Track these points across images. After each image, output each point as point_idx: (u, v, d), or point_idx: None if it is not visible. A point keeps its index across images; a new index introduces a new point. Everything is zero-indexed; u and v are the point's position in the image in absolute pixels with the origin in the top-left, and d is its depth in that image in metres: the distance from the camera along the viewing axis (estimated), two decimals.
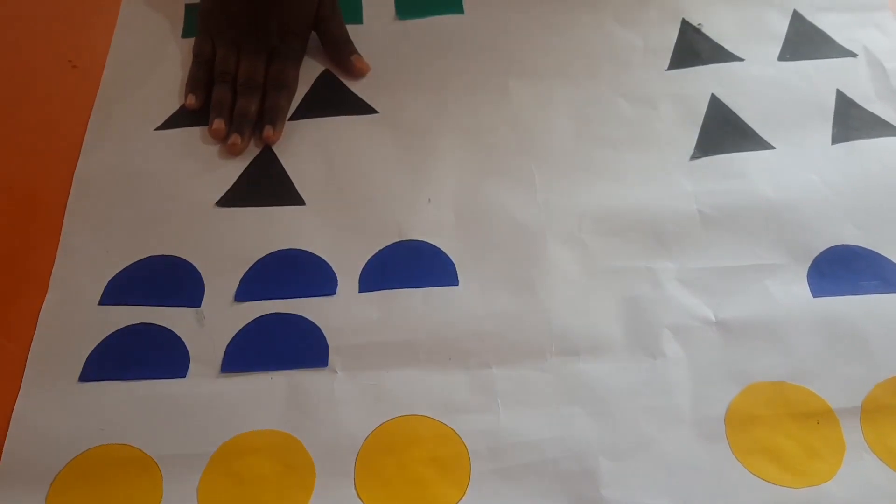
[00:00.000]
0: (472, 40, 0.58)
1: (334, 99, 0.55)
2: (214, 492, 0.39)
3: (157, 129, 0.53)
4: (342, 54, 0.57)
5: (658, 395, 0.42)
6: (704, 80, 0.55)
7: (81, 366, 0.43)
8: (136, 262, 0.47)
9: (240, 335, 0.44)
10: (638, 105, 0.54)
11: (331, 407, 0.41)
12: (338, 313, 0.45)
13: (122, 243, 0.47)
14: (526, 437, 0.40)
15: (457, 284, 0.46)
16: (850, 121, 0.52)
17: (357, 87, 0.56)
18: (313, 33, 0.58)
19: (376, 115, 0.54)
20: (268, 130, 0.52)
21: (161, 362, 0.43)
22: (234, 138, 0.52)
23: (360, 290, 0.46)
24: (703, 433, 0.40)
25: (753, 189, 0.49)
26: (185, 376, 0.42)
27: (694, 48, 0.57)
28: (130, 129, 0.53)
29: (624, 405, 0.41)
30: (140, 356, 0.43)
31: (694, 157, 0.51)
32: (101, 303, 0.45)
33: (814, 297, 0.45)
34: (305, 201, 0.50)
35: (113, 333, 0.44)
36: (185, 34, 0.59)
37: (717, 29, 0.58)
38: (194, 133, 0.53)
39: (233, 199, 0.50)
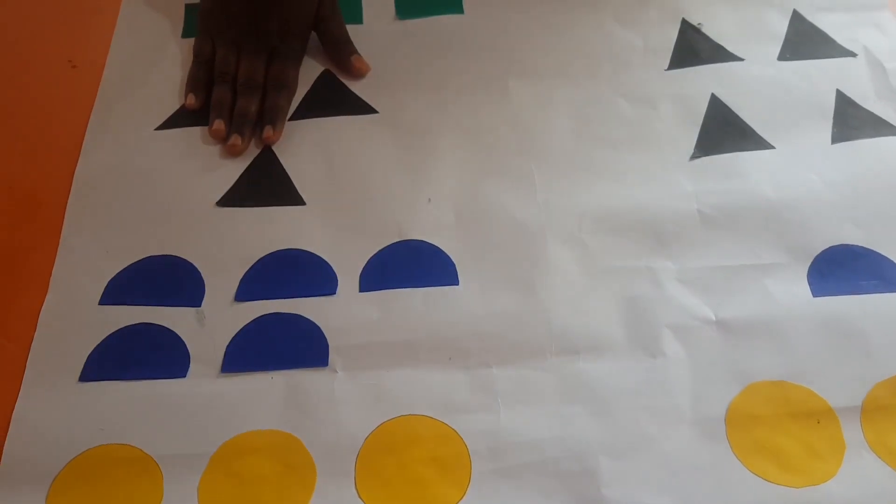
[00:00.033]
0: (472, 40, 0.58)
1: (334, 99, 0.55)
2: (215, 492, 0.39)
3: (157, 128, 0.53)
4: (342, 54, 0.57)
5: (658, 395, 0.42)
6: (704, 80, 0.55)
7: (81, 366, 0.43)
8: (136, 262, 0.47)
9: (240, 335, 0.44)
10: (638, 105, 0.54)
11: (331, 407, 0.41)
12: (338, 313, 0.45)
13: (122, 243, 0.48)
14: (526, 437, 0.40)
15: (457, 284, 0.46)
16: (850, 120, 0.52)
17: (357, 87, 0.56)
18: (313, 33, 0.58)
19: (376, 115, 0.54)
20: (268, 131, 0.52)
21: (161, 362, 0.43)
22: (235, 139, 0.52)
23: (361, 290, 0.46)
24: (704, 432, 0.40)
25: (753, 189, 0.49)
26: (185, 376, 0.42)
27: (694, 48, 0.57)
28: (130, 128, 0.53)
29: (624, 405, 0.41)
30: (140, 356, 0.43)
31: (694, 156, 0.51)
32: (101, 303, 0.45)
33: (814, 296, 0.45)
34: (306, 201, 0.50)
35: (113, 333, 0.44)
36: (185, 34, 0.59)
37: (717, 29, 0.58)
38: (194, 133, 0.53)
39: (233, 198, 0.50)
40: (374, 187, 0.50)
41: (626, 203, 0.49)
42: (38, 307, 0.45)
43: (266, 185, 0.50)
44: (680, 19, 0.59)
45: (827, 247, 0.47)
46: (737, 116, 0.53)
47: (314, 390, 0.42)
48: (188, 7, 0.60)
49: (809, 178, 0.50)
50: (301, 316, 0.44)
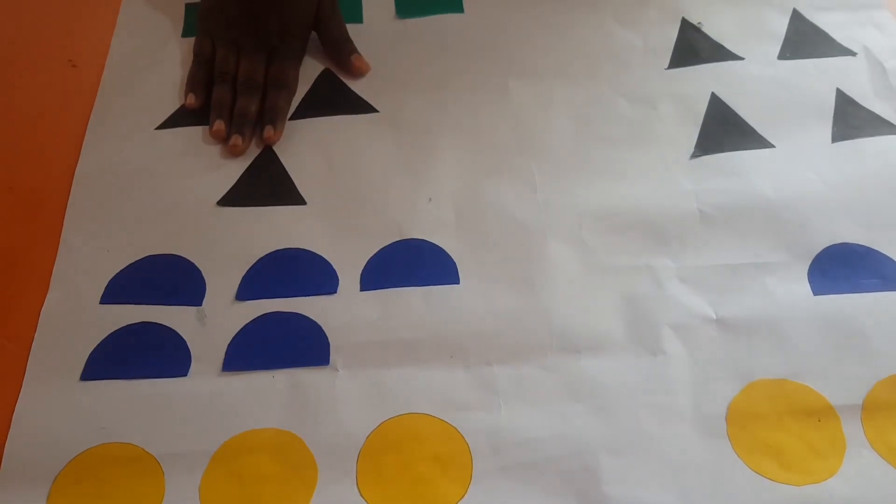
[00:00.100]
0: (472, 40, 0.58)
1: (335, 98, 0.55)
2: (216, 490, 0.39)
3: (158, 128, 0.53)
4: (342, 54, 0.57)
5: (659, 393, 0.42)
6: (704, 79, 0.55)
7: (83, 365, 0.43)
8: (136, 262, 0.47)
9: (241, 334, 0.44)
10: (638, 104, 0.54)
11: (332, 405, 0.41)
12: (339, 312, 0.45)
13: (122, 242, 0.48)
14: (527, 435, 0.40)
15: (458, 283, 0.46)
16: (850, 119, 0.52)
17: (357, 87, 0.56)
18: (313, 33, 0.58)
19: (377, 114, 0.54)
20: (268, 130, 0.52)
21: (162, 361, 0.43)
22: (235, 139, 0.52)
23: (362, 289, 0.46)
24: (705, 430, 0.40)
25: (753, 187, 0.49)
26: (186, 375, 0.42)
27: (694, 47, 0.57)
28: (131, 128, 0.53)
29: (625, 402, 0.41)
30: (141, 355, 0.43)
31: (694, 155, 0.51)
32: (102, 302, 0.45)
33: (814, 295, 0.45)
34: (306, 201, 0.50)
35: (114, 332, 0.44)
36: (185, 34, 0.59)
37: (716, 28, 0.58)
38: (195, 132, 0.53)
39: (234, 198, 0.50)
40: (374, 186, 0.50)
41: (627, 202, 0.49)
42: (38, 306, 0.45)
43: (267, 185, 0.50)
44: (680, 19, 0.59)
45: (827, 245, 0.47)
46: (737, 115, 0.53)
47: (315, 389, 0.42)
48: (188, 7, 0.61)
49: (809, 177, 0.50)
50: (302, 315, 0.45)
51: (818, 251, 0.46)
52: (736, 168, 0.50)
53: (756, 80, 0.55)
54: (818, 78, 0.55)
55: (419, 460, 0.40)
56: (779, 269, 0.46)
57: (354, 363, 0.43)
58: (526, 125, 0.53)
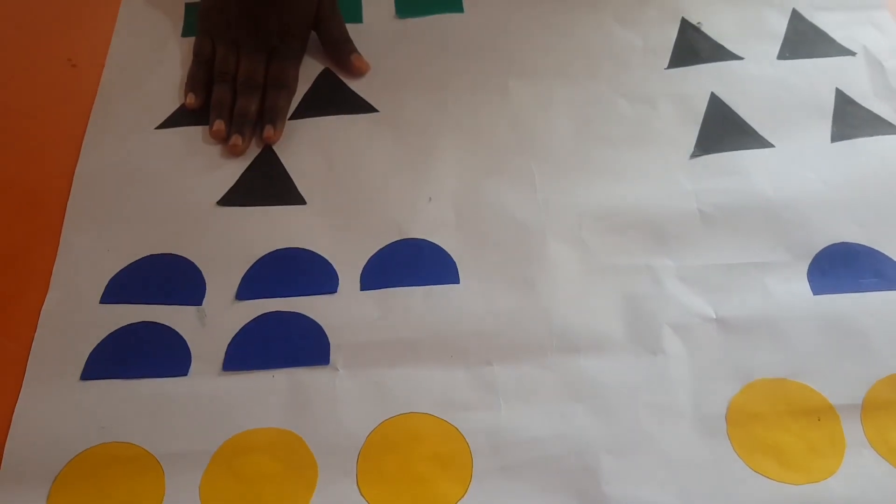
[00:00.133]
0: (472, 40, 0.58)
1: (334, 98, 0.55)
2: (216, 490, 0.39)
3: (158, 127, 0.53)
4: (342, 53, 0.57)
5: (659, 392, 0.42)
6: (704, 79, 0.55)
7: (83, 364, 0.43)
8: (137, 261, 0.47)
9: (241, 333, 0.44)
10: (638, 104, 0.54)
11: (332, 405, 0.41)
12: (339, 311, 0.45)
13: (122, 242, 0.48)
14: (527, 434, 0.40)
15: (458, 282, 0.46)
16: (849, 119, 0.53)
17: (357, 86, 0.56)
18: (313, 33, 0.58)
19: (377, 113, 0.54)
20: (268, 130, 0.52)
21: (162, 361, 0.43)
22: (235, 139, 0.52)
23: (362, 289, 0.46)
24: (704, 430, 0.40)
25: (753, 187, 0.49)
26: (186, 375, 0.42)
27: (693, 47, 0.57)
28: (131, 127, 0.53)
29: (625, 402, 0.41)
30: (141, 354, 0.43)
31: (694, 155, 0.51)
32: (102, 301, 0.45)
33: (814, 294, 0.45)
34: (306, 200, 0.50)
35: (114, 332, 0.44)
36: (185, 33, 0.59)
37: (716, 28, 0.58)
38: (195, 132, 0.53)
39: (234, 198, 0.50)
40: (374, 186, 0.50)
41: (626, 201, 0.49)
42: (38, 306, 0.45)
43: (267, 185, 0.50)
44: (679, 19, 0.59)
45: (827, 245, 0.47)
46: (736, 115, 0.53)
47: (315, 388, 0.42)
48: (188, 6, 0.61)
49: (809, 177, 0.50)
50: (302, 314, 0.45)
51: (818, 251, 0.47)
52: (736, 168, 0.50)
53: (756, 79, 0.55)
54: (818, 78, 0.55)
55: (419, 460, 0.40)
56: (778, 268, 0.46)
57: (354, 363, 0.43)
58: (526, 125, 0.53)
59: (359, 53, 0.57)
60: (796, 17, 0.59)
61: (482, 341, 0.43)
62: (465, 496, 0.39)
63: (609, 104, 0.54)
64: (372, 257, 0.47)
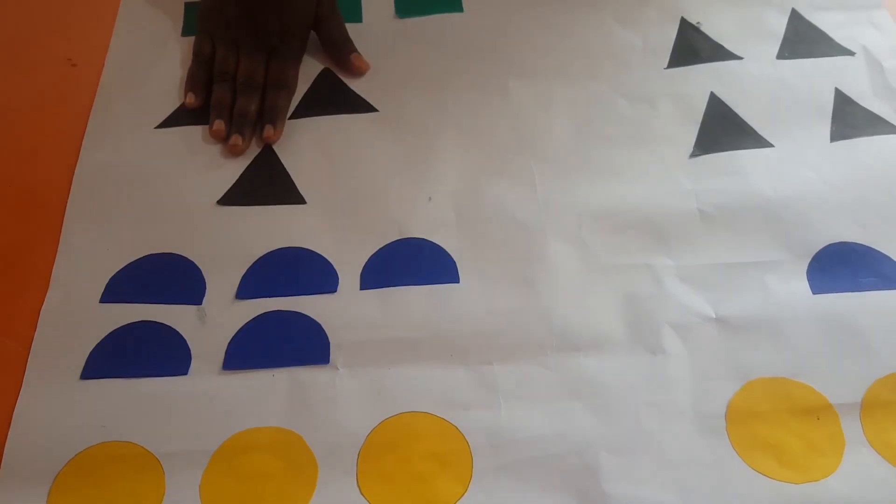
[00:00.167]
0: (471, 39, 0.58)
1: (334, 97, 0.55)
2: (217, 489, 0.39)
3: (157, 127, 0.53)
4: (342, 53, 0.57)
5: (659, 391, 0.42)
6: (703, 79, 0.55)
7: (83, 363, 0.43)
8: (137, 260, 0.47)
9: (241, 333, 0.44)
10: (637, 104, 0.54)
11: (333, 404, 0.41)
12: (339, 311, 0.45)
13: (122, 241, 0.48)
14: (527, 433, 0.40)
15: (457, 282, 0.46)
16: (849, 119, 0.53)
17: (357, 86, 0.56)
18: (313, 33, 0.58)
19: (376, 113, 0.54)
20: (268, 130, 0.52)
21: (163, 360, 0.43)
22: (235, 139, 0.52)
23: (362, 288, 0.46)
24: (704, 429, 0.40)
25: (752, 186, 0.49)
26: (186, 374, 0.42)
27: (693, 47, 0.57)
28: (130, 127, 0.53)
29: (625, 401, 0.41)
30: (141, 354, 0.43)
31: (693, 154, 0.51)
32: (102, 300, 0.45)
33: (813, 293, 0.45)
34: (306, 200, 0.50)
35: (114, 331, 0.44)
36: (185, 33, 0.59)
37: (716, 27, 0.58)
38: (195, 132, 0.53)
39: (234, 197, 0.50)
40: (374, 185, 0.50)
41: (626, 201, 0.49)
42: (38, 305, 0.45)
43: (267, 184, 0.51)
44: (679, 18, 0.59)
45: (826, 244, 0.47)
46: (736, 115, 0.53)
47: (316, 387, 0.42)
48: (188, 6, 0.61)
49: (808, 176, 0.50)
50: (302, 314, 0.45)
51: (817, 250, 0.47)
52: (735, 167, 0.50)
53: (755, 79, 0.55)
54: (817, 77, 0.55)
55: (419, 458, 0.40)
56: (778, 267, 0.46)
57: (354, 362, 0.43)
58: (526, 125, 0.53)
59: (359, 53, 0.57)
60: (796, 17, 0.59)
61: (482, 340, 0.43)
62: (465, 495, 0.39)
63: (609, 104, 0.54)
64: (372, 256, 0.47)
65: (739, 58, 0.56)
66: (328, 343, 0.43)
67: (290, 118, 0.54)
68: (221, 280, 0.46)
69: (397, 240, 0.48)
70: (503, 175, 0.51)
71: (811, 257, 0.46)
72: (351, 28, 0.58)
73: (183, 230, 0.48)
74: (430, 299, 0.45)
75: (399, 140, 0.52)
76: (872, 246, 0.47)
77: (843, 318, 0.44)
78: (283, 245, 0.47)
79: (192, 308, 0.45)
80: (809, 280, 0.45)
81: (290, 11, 0.56)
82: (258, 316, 0.45)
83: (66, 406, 0.41)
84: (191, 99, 0.54)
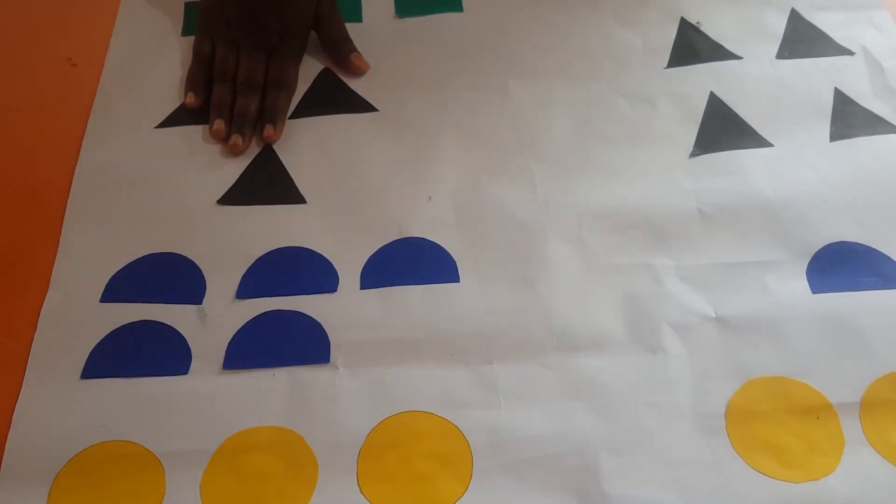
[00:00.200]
0: (471, 39, 0.58)
1: (334, 97, 0.55)
2: (217, 488, 0.39)
3: (157, 126, 0.53)
4: (342, 53, 0.57)
5: (658, 391, 0.42)
6: (703, 79, 0.55)
7: (83, 363, 0.43)
8: (137, 260, 0.47)
9: (241, 332, 0.44)
10: (637, 104, 0.54)
11: (333, 403, 0.41)
12: (339, 310, 0.45)
13: (122, 241, 0.48)
14: (527, 433, 0.40)
15: (458, 281, 0.46)
16: (848, 118, 0.53)
17: (357, 86, 0.56)
18: (313, 32, 0.58)
19: (376, 112, 0.54)
20: (268, 130, 0.52)
21: (163, 359, 0.43)
22: (236, 139, 0.52)
23: (362, 287, 0.46)
24: (704, 428, 0.41)
25: (752, 186, 0.49)
26: (187, 373, 0.42)
27: (693, 46, 0.57)
28: (130, 127, 0.53)
29: (625, 401, 0.41)
30: (142, 353, 0.43)
31: (693, 154, 0.51)
32: (102, 300, 0.45)
33: (813, 293, 0.45)
34: (306, 199, 0.50)
35: (114, 331, 0.44)
36: (185, 32, 0.59)
37: (715, 27, 0.58)
38: (195, 131, 0.53)
39: (234, 197, 0.50)
40: (374, 185, 0.50)
41: (626, 201, 0.49)
42: (39, 305, 0.45)
43: (267, 184, 0.51)
44: (679, 18, 0.59)
45: (826, 244, 0.47)
46: (735, 114, 0.53)
47: (316, 387, 0.42)
48: (188, 5, 0.61)
49: (808, 176, 0.50)
50: (302, 313, 0.45)
51: (817, 249, 0.47)
52: (735, 167, 0.50)
53: (755, 79, 0.55)
54: (816, 77, 0.55)
55: (420, 458, 0.40)
56: (778, 267, 0.46)
57: (355, 361, 0.43)
58: (526, 125, 0.53)
59: (359, 53, 0.57)
60: (795, 17, 0.59)
61: (482, 340, 0.44)
62: (466, 494, 0.39)
63: (609, 104, 0.54)
64: (372, 256, 0.47)
65: (739, 57, 0.56)
66: (328, 342, 0.43)
67: (290, 118, 0.54)
68: (222, 280, 0.46)
69: (397, 239, 0.48)
70: (503, 175, 0.51)
71: (811, 257, 0.46)
72: (351, 28, 0.58)
73: (183, 230, 0.48)
74: (430, 299, 0.45)
75: (399, 140, 0.52)
76: (872, 245, 0.47)
77: (843, 317, 0.44)
78: (284, 245, 0.48)
79: (192, 308, 0.45)
80: (809, 280, 0.46)
81: (290, 11, 0.56)
82: (258, 315, 0.45)
83: (66, 406, 0.41)
84: (191, 99, 0.54)
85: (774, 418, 0.41)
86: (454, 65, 0.57)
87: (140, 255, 0.47)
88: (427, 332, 0.44)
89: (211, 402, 0.41)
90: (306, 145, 0.52)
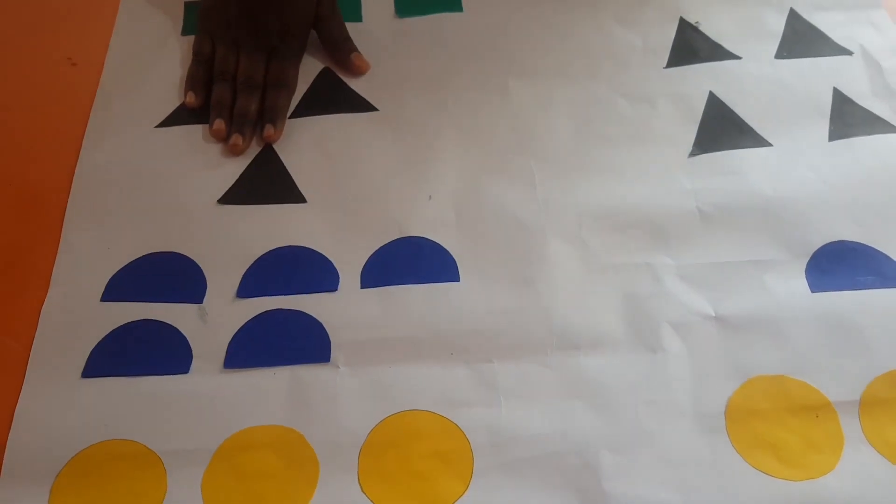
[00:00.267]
0: (471, 39, 0.58)
1: (334, 97, 0.55)
2: (218, 487, 0.39)
3: (158, 126, 0.53)
4: (342, 52, 0.57)
5: (658, 390, 0.42)
6: (702, 78, 0.55)
7: (84, 362, 0.43)
8: (137, 259, 0.47)
9: (242, 331, 0.44)
10: (637, 103, 0.54)
11: (333, 402, 0.41)
12: (340, 309, 0.45)
13: (123, 240, 0.48)
14: (528, 432, 0.40)
15: (458, 280, 0.46)
16: (847, 118, 0.53)
17: (357, 85, 0.56)
18: (313, 32, 0.58)
19: (376, 112, 0.54)
20: (268, 129, 0.52)
21: (164, 358, 0.43)
22: (236, 138, 0.52)
23: (362, 287, 0.46)
24: (704, 427, 0.41)
25: (751, 186, 0.49)
26: (187, 372, 0.43)
27: (692, 46, 0.57)
28: (131, 126, 0.53)
29: (625, 399, 0.41)
30: (142, 352, 0.43)
31: (692, 154, 0.51)
32: (103, 299, 0.45)
33: (812, 292, 0.45)
34: (306, 199, 0.50)
35: (115, 330, 0.44)
36: (185, 32, 0.59)
37: (714, 27, 0.58)
38: (195, 131, 0.53)
39: (234, 196, 0.50)
40: (374, 184, 0.50)
41: (626, 201, 0.49)
42: (39, 304, 0.45)
43: (267, 183, 0.51)
44: (678, 18, 0.59)
45: (825, 243, 0.47)
46: (735, 114, 0.53)
47: (316, 386, 0.42)
48: (188, 5, 0.61)
49: (807, 175, 0.50)
50: (303, 312, 0.45)
51: (816, 249, 0.47)
52: (734, 166, 0.50)
53: (754, 79, 0.55)
54: (815, 77, 0.55)
55: (420, 457, 0.40)
56: (777, 266, 0.46)
57: (355, 360, 0.43)
58: (526, 125, 0.53)
59: (359, 52, 0.57)
60: (794, 17, 0.59)
61: (482, 339, 0.44)
62: (466, 493, 0.39)
63: (609, 104, 0.54)
64: (372, 255, 0.47)
65: (738, 57, 0.57)
66: (329, 341, 0.43)
67: (290, 117, 0.54)
68: (222, 279, 0.46)
69: (397, 238, 0.48)
70: (503, 175, 0.51)
71: (810, 256, 0.46)
72: (351, 28, 0.58)
73: (183, 229, 0.48)
74: (430, 298, 0.45)
75: (399, 139, 0.53)
76: (871, 244, 0.47)
77: (842, 316, 0.44)
78: (284, 244, 0.48)
79: (192, 307, 0.45)
80: (808, 279, 0.46)
81: (290, 11, 0.56)
82: (259, 314, 0.45)
83: (67, 405, 0.41)
84: (191, 98, 0.54)
85: (774, 417, 0.41)
86: (454, 65, 0.57)
87: (140, 255, 0.47)
88: (427, 332, 0.44)
89: (212, 401, 0.41)
90: (306, 145, 0.53)
